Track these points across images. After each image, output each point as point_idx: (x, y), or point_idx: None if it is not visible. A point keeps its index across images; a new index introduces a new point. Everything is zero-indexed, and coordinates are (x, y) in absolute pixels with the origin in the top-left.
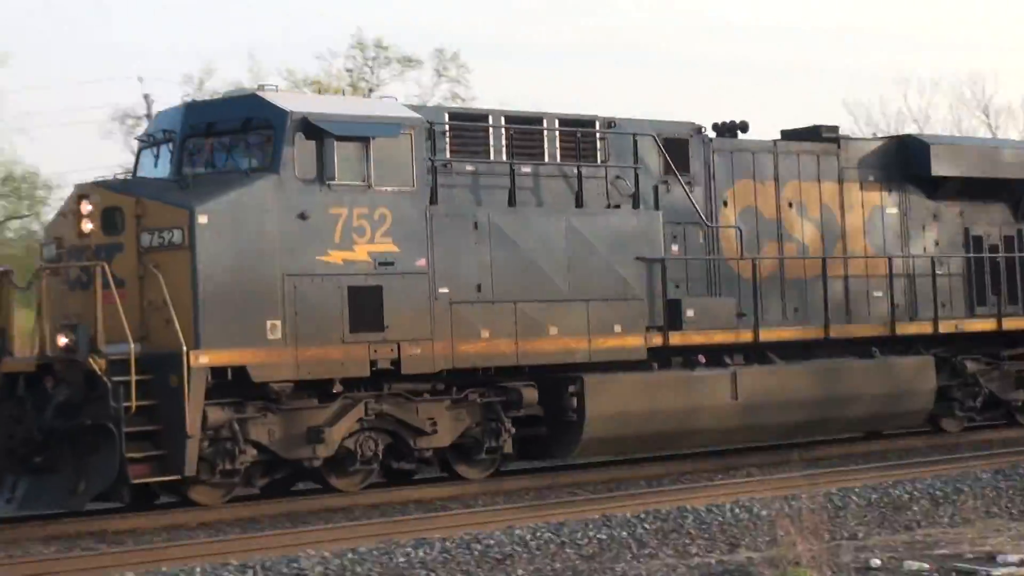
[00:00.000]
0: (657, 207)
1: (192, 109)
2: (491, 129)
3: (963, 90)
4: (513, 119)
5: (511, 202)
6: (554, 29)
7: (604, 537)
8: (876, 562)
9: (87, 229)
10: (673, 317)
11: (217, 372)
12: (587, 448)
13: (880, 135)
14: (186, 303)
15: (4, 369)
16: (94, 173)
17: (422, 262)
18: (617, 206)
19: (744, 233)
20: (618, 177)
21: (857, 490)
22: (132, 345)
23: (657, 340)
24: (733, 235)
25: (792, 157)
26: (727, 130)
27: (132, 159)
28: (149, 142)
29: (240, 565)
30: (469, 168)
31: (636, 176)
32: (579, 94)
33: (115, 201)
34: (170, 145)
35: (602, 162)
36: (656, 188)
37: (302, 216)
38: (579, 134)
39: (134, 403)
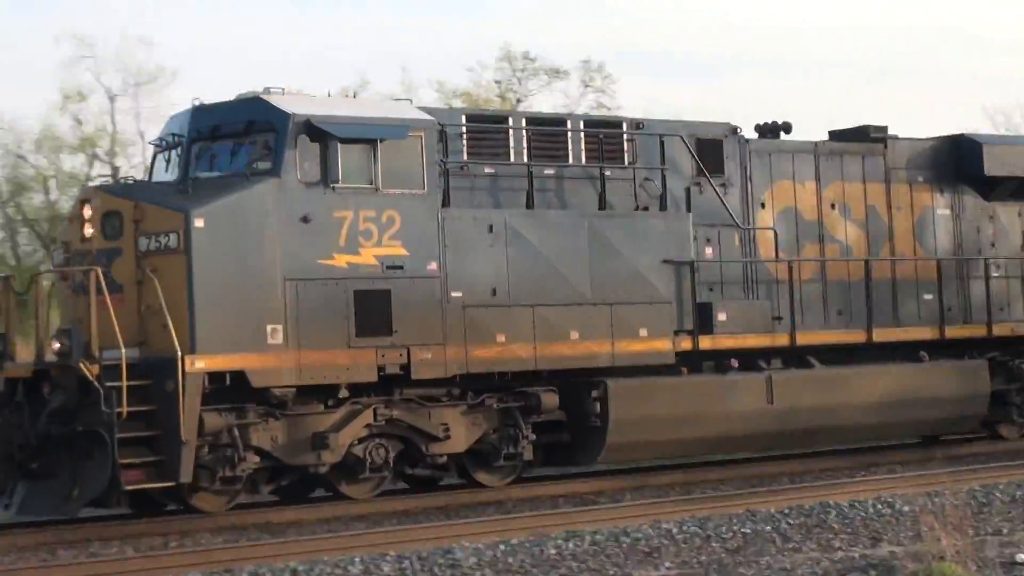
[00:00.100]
0: (689, 209)
1: (199, 113)
2: (511, 131)
3: None
4: (534, 121)
5: (529, 204)
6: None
7: (748, 531)
8: (1021, 557)
9: (88, 233)
10: (704, 321)
11: (216, 377)
12: (612, 454)
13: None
14: (182, 307)
15: (4, 375)
16: None
17: (433, 266)
18: (646, 208)
19: (783, 235)
20: (647, 179)
21: (1001, 487)
22: (123, 350)
23: (686, 344)
24: (771, 237)
25: (835, 158)
26: (769, 131)
27: None
28: (162, 146)
29: (397, 556)
30: (488, 170)
31: (663, 177)
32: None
33: (114, 205)
34: (179, 149)
35: (629, 164)
36: (688, 190)
37: (305, 219)
38: (602, 135)
39: (124, 409)
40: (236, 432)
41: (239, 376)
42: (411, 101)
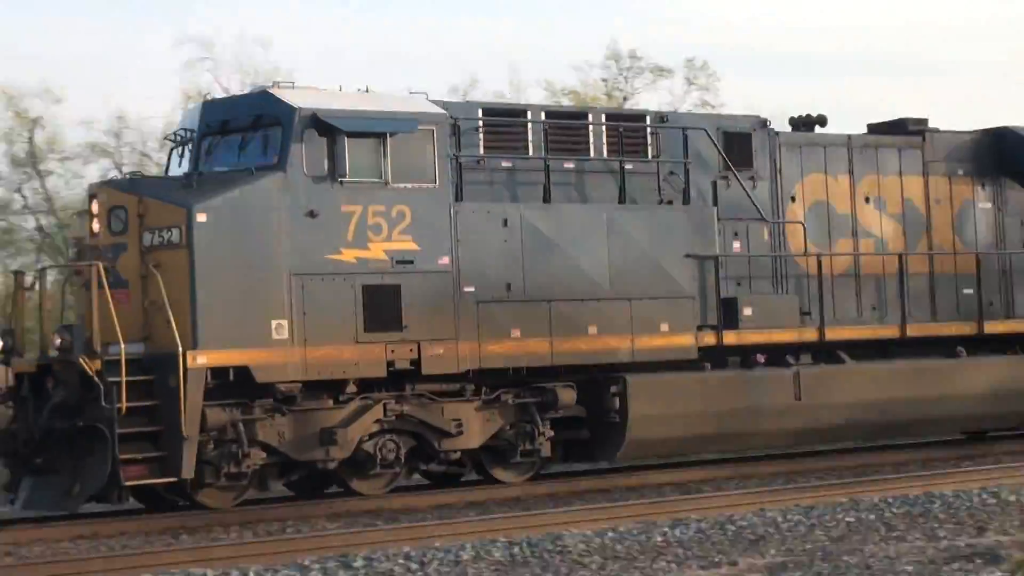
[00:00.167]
0: (716, 203)
1: (209, 107)
2: (529, 125)
3: None
4: (554, 114)
5: (546, 198)
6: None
7: (852, 520)
8: None
9: (96, 229)
10: (729, 316)
11: (220, 373)
12: (632, 450)
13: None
14: (185, 303)
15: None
16: None
17: (445, 260)
18: (670, 202)
19: (814, 229)
20: (672, 173)
21: None
22: (123, 346)
23: (710, 339)
24: (800, 231)
25: (870, 151)
26: (803, 124)
27: None
28: (176, 141)
29: (507, 542)
30: (505, 164)
31: (686, 171)
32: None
33: (119, 200)
34: (191, 144)
35: (653, 157)
36: (715, 184)
37: (311, 214)
38: (622, 129)
39: (124, 404)
40: (241, 427)
41: (244, 371)
42: (427, 95)
